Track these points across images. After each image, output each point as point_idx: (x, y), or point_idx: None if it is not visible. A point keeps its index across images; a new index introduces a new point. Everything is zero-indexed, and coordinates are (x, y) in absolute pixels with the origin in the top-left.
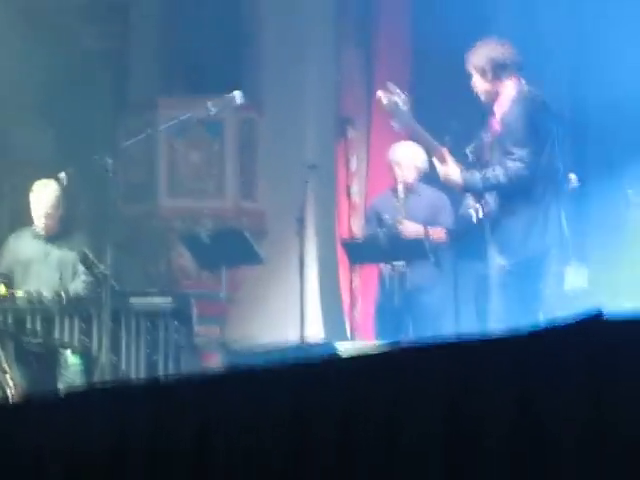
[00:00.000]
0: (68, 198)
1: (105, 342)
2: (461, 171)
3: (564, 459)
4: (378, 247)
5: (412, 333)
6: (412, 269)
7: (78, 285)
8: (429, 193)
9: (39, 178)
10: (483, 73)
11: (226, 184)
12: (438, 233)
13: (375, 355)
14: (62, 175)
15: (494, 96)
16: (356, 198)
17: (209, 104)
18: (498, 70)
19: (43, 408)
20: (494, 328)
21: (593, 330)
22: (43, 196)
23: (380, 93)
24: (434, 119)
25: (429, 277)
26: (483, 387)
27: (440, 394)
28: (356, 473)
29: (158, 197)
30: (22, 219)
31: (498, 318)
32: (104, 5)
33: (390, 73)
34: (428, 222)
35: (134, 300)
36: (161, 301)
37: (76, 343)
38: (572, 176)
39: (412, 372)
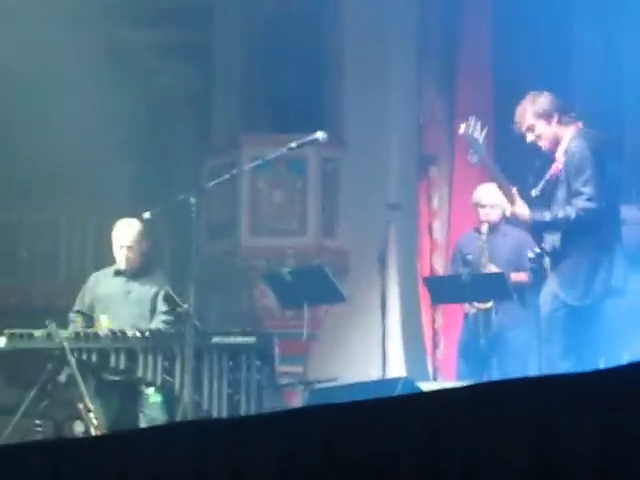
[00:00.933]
0: (151, 236)
1: (187, 380)
2: (530, 211)
3: None
4: (461, 286)
5: (496, 374)
6: (496, 309)
7: (158, 323)
8: (514, 233)
9: (122, 218)
10: (548, 118)
11: (308, 222)
12: (521, 277)
13: (458, 389)
14: (147, 215)
15: (556, 141)
16: (438, 236)
17: (293, 145)
18: (561, 115)
19: (127, 440)
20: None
21: None
22: (126, 232)
23: (462, 125)
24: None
25: (513, 317)
26: (567, 426)
27: (524, 430)
28: None
29: (240, 236)
30: (105, 259)
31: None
32: (186, 44)
33: (472, 111)
34: (512, 262)
35: (217, 339)
36: (244, 340)
37: (158, 381)
38: None
39: (493, 406)
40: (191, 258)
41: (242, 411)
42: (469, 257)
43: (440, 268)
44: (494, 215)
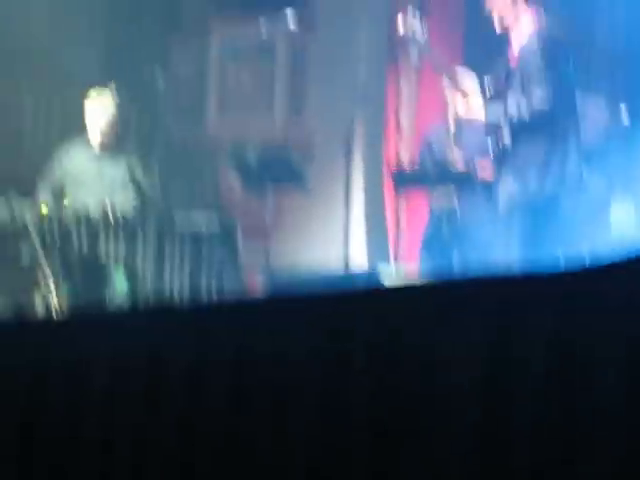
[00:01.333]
0: (121, 113)
1: (150, 263)
2: (483, 105)
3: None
4: (426, 174)
5: (457, 264)
6: (462, 205)
7: (126, 201)
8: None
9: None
10: None
11: (275, 104)
12: (486, 172)
13: (417, 287)
14: (112, 85)
15: (512, 23)
16: (405, 122)
17: (261, 22)
18: None
19: (86, 325)
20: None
21: (635, 272)
22: (100, 109)
23: (399, 19)
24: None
25: (477, 212)
26: (524, 326)
27: (480, 333)
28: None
29: (207, 116)
30: (72, 134)
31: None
32: None
33: None
34: (481, 151)
35: (180, 221)
36: (206, 220)
37: (121, 262)
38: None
39: (455, 308)
40: (156, 138)
41: (202, 291)
42: (433, 147)
43: (405, 154)
44: (463, 102)
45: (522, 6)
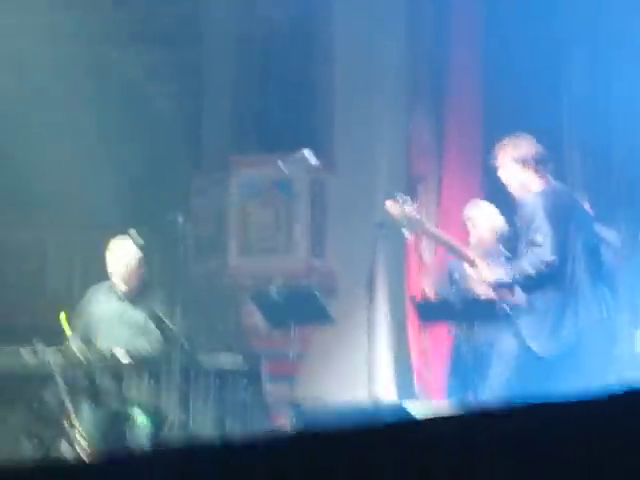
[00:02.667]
0: (143, 258)
1: (174, 400)
2: (492, 273)
3: None
4: (449, 306)
5: (482, 393)
6: (484, 329)
7: (149, 344)
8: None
9: (111, 235)
10: (525, 165)
11: (296, 242)
12: (516, 298)
13: (445, 419)
14: (132, 232)
15: (524, 190)
16: (426, 256)
17: (280, 163)
18: (537, 165)
19: (110, 465)
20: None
21: None
22: (123, 256)
23: (389, 204)
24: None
25: (497, 334)
26: (551, 452)
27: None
28: None
29: (228, 256)
30: (93, 276)
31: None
32: (177, 65)
33: (460, 132)
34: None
35: (203, 359)
36: (231, 360)
37: (145, 401)
38: None
39: (482, 438)
40: (178, 278)
41: (228, 431)
42: (456, 276)
43: (428, 288)
44: (484, 234)
45: (529, 177)
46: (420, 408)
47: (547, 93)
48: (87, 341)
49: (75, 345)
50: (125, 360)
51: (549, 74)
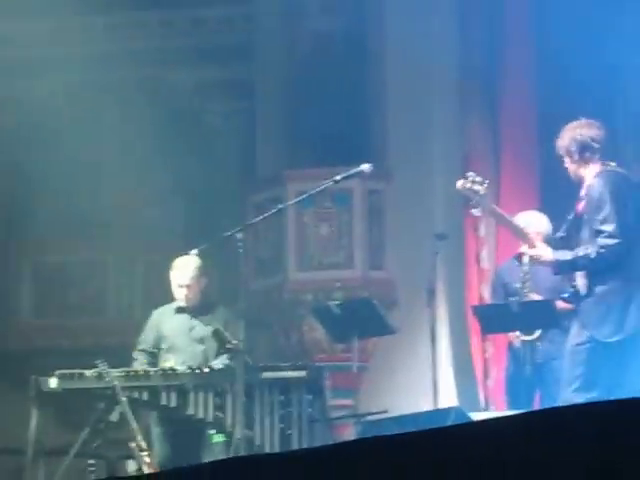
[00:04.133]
0: (205, 275)
1: (239, 416)
2: (552, 252)
3: None
4: (510, 314)
5: (544, 403)
6: (541, 338)
7: (223, 359)
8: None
9: (172, 255)
10: (569, 155)
11: (355, 255)
12: (566, 305)
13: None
14: (194, 252)
15: (581, 178)
16: (486, 266)
17: (339, 178)
18: (583, 152)
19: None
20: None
21: None
22: (184, 271)
23: (459, 182)
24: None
25: (558, 345)
26: (624, 452)
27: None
28: None
29: (288, 270)
30: (154, 296)
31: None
32: (229, 82)
33: (516, 137)
34: (553, 291)
35: (267, 374)
36: (294, 374)
37: (210, 418)
38: None
39: (548, 432)
40: (240, 294)
41: (294, 445)
42: (516, 285)
43: (489, 297)
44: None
45: (580, 165)
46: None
47: (602, 95)
48: (153, 359)
49: (140, 364)
50: (189, 377)
51: (604, 76)
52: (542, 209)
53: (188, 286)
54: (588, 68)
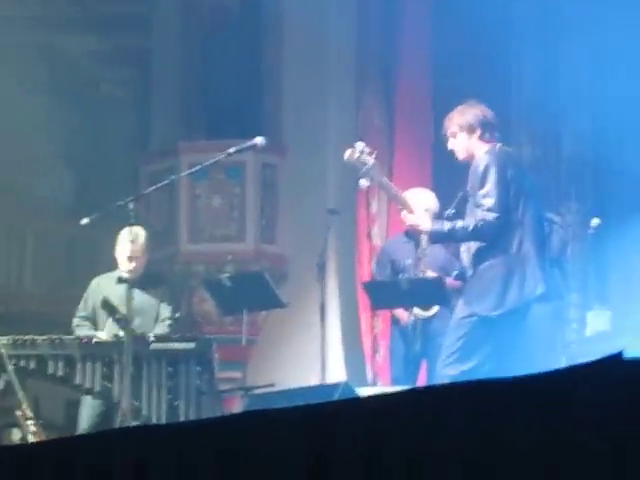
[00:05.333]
0: (90, 242)
1: (126, 386)
2: (431, 221)
3: None
4: (399, 290)
5: (429, 378)
6: (433, 313)
7: (162, 329)
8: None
9: (61, 223)
10: (471, 131)
11: (247, 228)
12: (455, 283)
13: (397, 394)
14: (85, 221)
15: (471, 156)
16: (377, 241)
17: (232, 150)
18: (485, 130)
19: (64, 447)
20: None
21: (612, 371)
22: (130, 242)
23: (348, 153)
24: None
25: (445, 322)
26: (503, 428)
27: (458, 436)
28: None
29: (179, 242)
30: (45, 265)
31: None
32: (125, 51)
33: (411, 118)
34: (445, 269)
35: (156, 345)
36: (183, 346)
37: (97, 387)
38: (594, 220)
39: (430, 412)
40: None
41: (181, 417)
42: (405, 262)
43: (379, 273)
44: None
45: (476, 142)
46: (371, 394)
47: (496, 78)
48: (94, 326)
49: (80, 331)
50: (77, 346)
51: (499, 57)
52: (434, 186)
53: (137, 258)
54: (483, 52)
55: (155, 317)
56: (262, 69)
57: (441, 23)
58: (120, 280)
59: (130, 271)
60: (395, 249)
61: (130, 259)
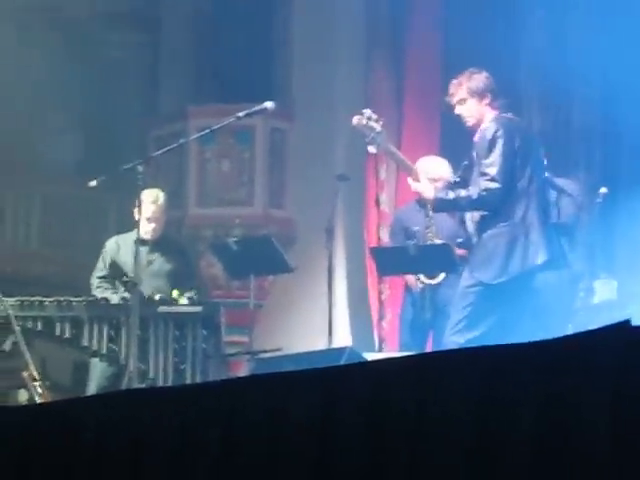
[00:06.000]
0: (99, 204)
1: (133, 349)
2: (435, 189)
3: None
4: (407, 257)
5: (438, 345)
6: (442, 282)
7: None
8: None
9: (69, 186)
10: (480, 97)
11: (255, 192)
12: (463, 252)
13: (403, 358)
14: (93, 183)
15: (479, 122)
16: (385, 208)
17: (241, 114)
18: (495, 97)
19: (69, 408)
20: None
21: (619, 338)
22: (151, 204)
23: (355, 119)
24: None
25: (455, 289)
26: (507, 392)
27: (462, 401)
28: (386, 470)
29: (188, 205)
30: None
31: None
32: (135, 15)
33: (420, 85)
34: (455, 237)
35: (163, 308)
36: (190, 309)
37: (104, 350)
38: (602, 189)
39: (433, 377)
40: (137, 227)
41: (187, 380)
42: (415, 229)
43: (387, 240)
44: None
45: (485, 109)
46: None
47: (506, 47)
48: (112, 286)
49: (98, 291)
50: (84, 308)
51: (509, 26)
52: (442, 155)
53: (156, 219)
54: (493, 21)
55: (172, 282)
56: (272, 35)
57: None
58: (140, 242)
59: (149, 232)
60: (407, 217)
61: (149, 220)
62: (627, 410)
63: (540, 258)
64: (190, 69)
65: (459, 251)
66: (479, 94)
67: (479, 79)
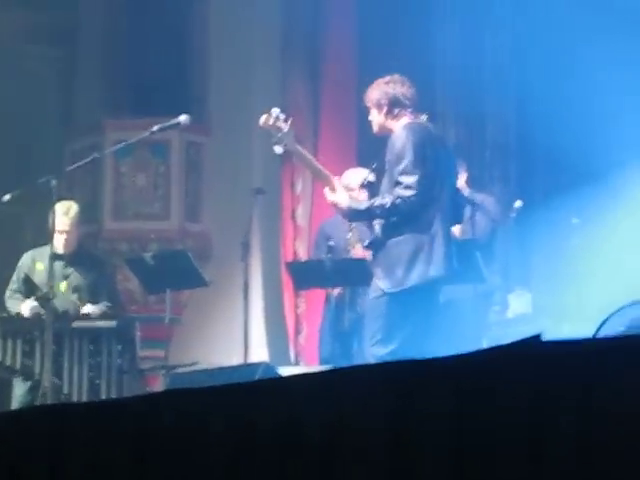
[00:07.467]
0: (12, 220)
1: (47, 364)
2: (348, 199)
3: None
4: (323, 271)
5: (357, 359)
6: (357, 294)
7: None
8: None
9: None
10: (379, 108)
11: (171, 206)
12: (364, 254)
13: (314, 375)
14: (6, 197)
15: (389, 131)
16: (301, 222)
17: (155, 128)
18: (392, 107)
19: None
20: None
21: (529, 352)
22: (65, 215)
23: (263, 118)
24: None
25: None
26: (421, 408)
27: (379, 416)
28: None
29: (103, 219)
30: None
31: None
32: (51, 28)
33: (336, 97)
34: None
35: (77, 323)
36: (105, 324)
37: (18, 365)
38: (517, 203)
39: (350, 393)
40: (52, 241)
41: (103, 395)
42: (331, 243)
43: (303, 253)
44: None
45: (385, 118)
46: (293, 373)
47: (421, 56)
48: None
49: (12, 303)
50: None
51: (423, 35)
52: (359, 163)
53: (68, 232)
54: (408, 30)
55: (89, 295)
56: (188, 48)
57: (366, 8)
58: (56, 256)
59: (62, 245)
60: (331, 228)
61: (61, 232)
62: (541, 425)
63: (442, 271)
64: (106, 82)
65: (365, 253)
66: (377, 104)
67: (378, 90)
